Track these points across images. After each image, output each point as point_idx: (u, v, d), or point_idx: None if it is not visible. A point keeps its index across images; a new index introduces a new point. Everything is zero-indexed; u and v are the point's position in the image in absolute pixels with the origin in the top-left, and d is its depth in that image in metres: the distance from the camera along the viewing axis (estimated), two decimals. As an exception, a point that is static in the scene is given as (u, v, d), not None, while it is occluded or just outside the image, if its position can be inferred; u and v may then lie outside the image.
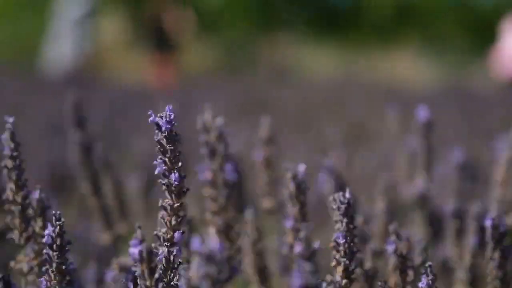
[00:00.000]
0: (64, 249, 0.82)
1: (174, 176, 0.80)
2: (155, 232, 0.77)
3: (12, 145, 0.88)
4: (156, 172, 0.82)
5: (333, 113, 3.89)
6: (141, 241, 0.72)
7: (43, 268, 0.83)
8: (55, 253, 0.82)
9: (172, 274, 0.77)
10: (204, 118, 0.76)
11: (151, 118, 0.79)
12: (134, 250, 0.72)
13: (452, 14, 24.80)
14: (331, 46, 17.54)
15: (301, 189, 0.96)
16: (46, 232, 0.83)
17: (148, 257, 0.71)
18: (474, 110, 4.26)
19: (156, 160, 0.81)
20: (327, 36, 18.86)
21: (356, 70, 13.31)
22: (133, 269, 0.72)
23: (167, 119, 0.78)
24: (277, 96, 5.05)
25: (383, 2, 22.81)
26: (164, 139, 0.79)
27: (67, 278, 0.83)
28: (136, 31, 9.29)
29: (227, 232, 0.79)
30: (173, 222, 0.81)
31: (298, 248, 0.99)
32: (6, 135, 0.88)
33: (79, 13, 7.37)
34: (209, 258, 0.66)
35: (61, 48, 7.36)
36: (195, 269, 0.73)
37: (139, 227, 0.73)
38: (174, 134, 0.79)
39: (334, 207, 0.79)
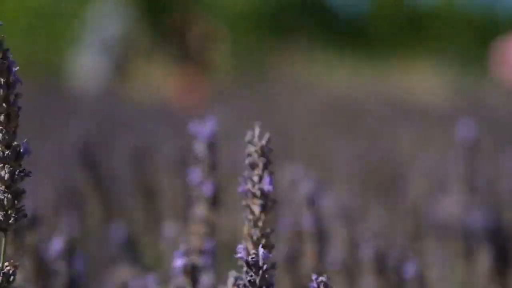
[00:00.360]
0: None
1: (208, 186, 0.82)
2: (184, 242, 0.79)
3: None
4: (190, 181, 0.85)
5: (348, 127, 3.87)
6: (185, 253, 0.75)
7: None
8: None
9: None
10: (252, 133, 0.78)
11: (192, 127, 0.82)
12: (178, 262, 0.75)
13: (466, 24, 24.75)
14: (344, 57, 17.60)
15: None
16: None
17: (193, 269, 0.74)
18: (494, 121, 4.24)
19: (190, 169, 0.83)
20: (339, 48, 18.93)
21: (370, 82, 13.28)
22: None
23: (209, 128, 0.82)
24: (290, 108, 5.04)
25: (396, 13, 22.83)
26: (203, 147, 0.83)
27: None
28: (163, 45, 9.20)
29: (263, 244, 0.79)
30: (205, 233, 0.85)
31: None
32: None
33: (113, 31, 7.36)
34: (252, 265, 0.68)
35: (91, 64, 7.35)
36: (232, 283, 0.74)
37: (183, 241, 0.76)
38: (214, 143, 0.83)
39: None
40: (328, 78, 13.82)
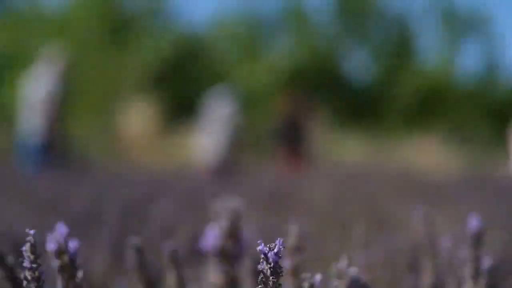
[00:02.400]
0: None
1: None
2: None
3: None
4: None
5: (357, 203, 3.88)
6: None
7: None
8: None
9: None
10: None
11: (260, 247, 0.81)
12: None
13: (474, 102, 24.89)
14: (357, 133, 17.67)
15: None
16: None
17: None
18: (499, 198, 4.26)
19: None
20: (352, 124, 19.01)
21: (381, 157, 13.35)
22: None
23: (276, 250, 0.81)
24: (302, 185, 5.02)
25: (407, 90, 22.99)
26: (268, 270, 0.81)
27: None
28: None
29: None
30: None
31: None
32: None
33: (227, 111, 7.90)
34: None
35: (208, 144, 7.95)
36: None
37: None
38: (279, 267, 0.81)
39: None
40: (340, 151, 13.85)
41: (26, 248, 0.92)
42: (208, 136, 7.91)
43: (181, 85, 22.87)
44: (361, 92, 24.37)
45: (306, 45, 23.58)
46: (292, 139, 7.99)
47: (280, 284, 0.82)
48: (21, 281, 0.91)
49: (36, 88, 7.01)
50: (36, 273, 0.92)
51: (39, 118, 6.92)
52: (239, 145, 8.00)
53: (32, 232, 0.92)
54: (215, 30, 25.54)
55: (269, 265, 0.80)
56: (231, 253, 1.02)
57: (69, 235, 0.92)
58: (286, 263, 1.26)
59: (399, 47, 24.69)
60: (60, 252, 0.91)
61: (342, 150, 14.55)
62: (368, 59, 25.27)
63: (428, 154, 16.96)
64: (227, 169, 7.43)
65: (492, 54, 28.71)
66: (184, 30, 24.46)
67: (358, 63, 25.46)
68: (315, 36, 24.15)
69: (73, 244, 0.92)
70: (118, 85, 20.06)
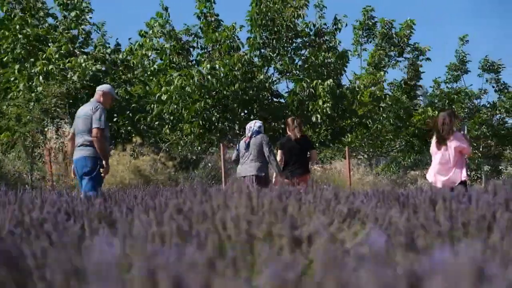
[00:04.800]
0: None
1: None
2: None
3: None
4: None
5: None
6: None
7: None
8: None
9: None
10: None
11: None
12: None
13: (394, 117, 25.10)
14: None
15: None
16: None
17: None
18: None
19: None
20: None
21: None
22: None
23: None
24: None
25: (325, 105, 23.16)
26: None
27: None
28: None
29: None
30: None
31: None
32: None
33: (255, 131, 9.63)
34: None
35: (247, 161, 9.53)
36: None
37: None
38: None
39: None
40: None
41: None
42: (245, 155, 9.43)
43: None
44: (282, 106, 24.41)
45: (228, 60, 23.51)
46: (302, 156, 9.65)
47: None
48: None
49: (87, 118, 7.81)
50: None
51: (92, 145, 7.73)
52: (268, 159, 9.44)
53: None
54: (140, 45, 25.27)
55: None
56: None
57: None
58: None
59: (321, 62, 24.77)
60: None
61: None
62: (288, 74, 25.32)
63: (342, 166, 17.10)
64: (264, 180, 9.07)
65: (413, 69, 29.19)
66: (108, 47, 24.13)
67: (278, 78, 25.50)
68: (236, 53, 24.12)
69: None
70: (46, 104, 19.79)
